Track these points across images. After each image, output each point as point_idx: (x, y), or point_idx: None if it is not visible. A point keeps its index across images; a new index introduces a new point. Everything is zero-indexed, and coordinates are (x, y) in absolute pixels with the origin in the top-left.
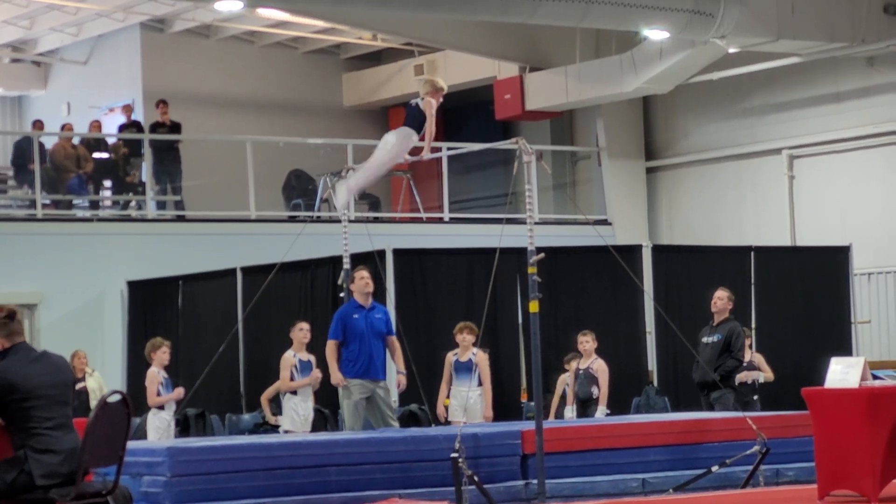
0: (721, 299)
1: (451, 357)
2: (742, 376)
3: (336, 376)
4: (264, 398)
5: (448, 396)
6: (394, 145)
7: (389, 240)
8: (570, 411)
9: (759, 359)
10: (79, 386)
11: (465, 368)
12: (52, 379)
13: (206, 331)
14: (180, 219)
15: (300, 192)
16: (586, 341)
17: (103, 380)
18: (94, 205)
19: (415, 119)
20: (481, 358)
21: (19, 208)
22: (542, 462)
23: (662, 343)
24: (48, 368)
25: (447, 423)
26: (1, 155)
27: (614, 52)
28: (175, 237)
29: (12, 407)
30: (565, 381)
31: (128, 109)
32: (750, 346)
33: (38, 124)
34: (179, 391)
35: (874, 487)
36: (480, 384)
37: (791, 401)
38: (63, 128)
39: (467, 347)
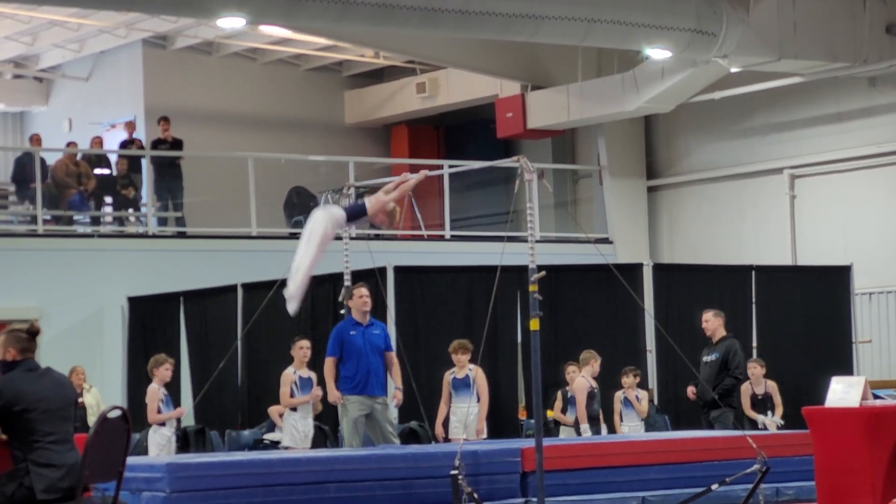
0: (708, 321)
1: (448, 376)
2: (752, 414)
3: (333, 394)
4: (273, 410)
5: (447, 416)
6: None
7: (390, 257)
8: (565, 432)
9: (772, 387)
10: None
11: (464, 385)
12: (55, 394)
13: (206, 347)
14: (181, 235)
15: (301, 208)
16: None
17: (102, 396)
18: (95, 221)
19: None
20: (479, 373)
21: (20, 224)
22: (541, 480)
23: (663, 361)
24: (51, 384)
25: (447, 441)
26: (2, 171)
27: (616, 71)
28: (176, 253)
29: (15, 419)
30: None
31: (130, 126)
32: (764, 375)
33: (35, 138)
34: (181, 410)
35: None
36: (479, 400)
37: (792, 419)
38: (68, 145)
39: (463, 365)
